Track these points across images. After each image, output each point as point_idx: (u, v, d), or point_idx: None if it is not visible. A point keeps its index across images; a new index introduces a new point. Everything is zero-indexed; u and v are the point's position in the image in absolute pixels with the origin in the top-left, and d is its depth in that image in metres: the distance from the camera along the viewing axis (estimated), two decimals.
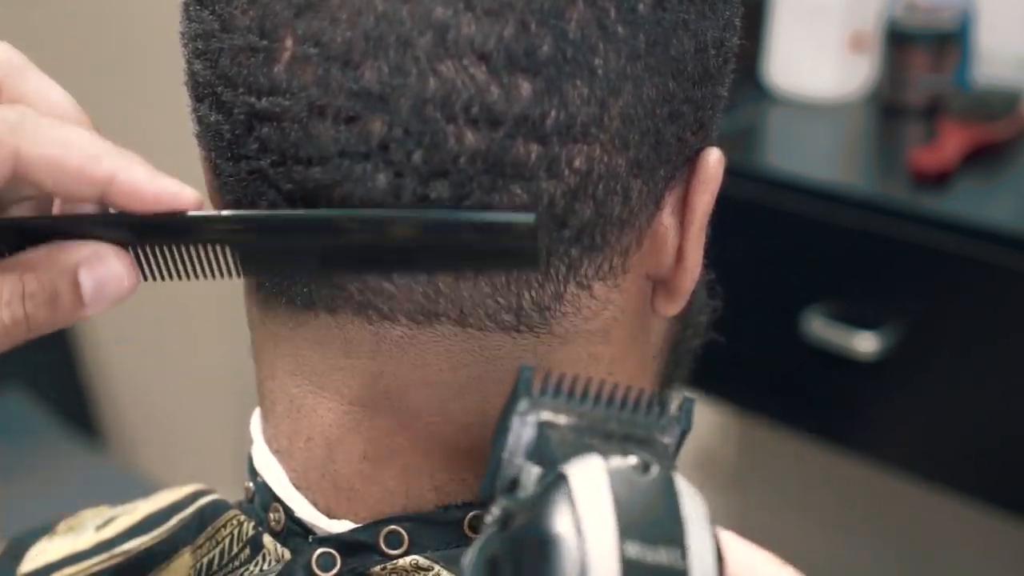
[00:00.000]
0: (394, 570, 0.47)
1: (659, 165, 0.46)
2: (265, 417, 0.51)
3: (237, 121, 0.44)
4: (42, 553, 0.58)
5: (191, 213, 0.41)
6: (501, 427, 0.41)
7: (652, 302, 0.51)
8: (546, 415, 0.40)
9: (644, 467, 0.37)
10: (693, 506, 0.36)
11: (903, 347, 1.12)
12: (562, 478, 0.36)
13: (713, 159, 0.49)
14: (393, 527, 0.48)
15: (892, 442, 1.18)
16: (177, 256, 0.42)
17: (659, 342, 0.54)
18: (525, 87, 0.42)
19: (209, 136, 0.46)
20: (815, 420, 1.23)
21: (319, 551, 0.48)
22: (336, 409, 0.48)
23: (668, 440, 0.41)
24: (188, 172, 0.49)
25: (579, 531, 0.35)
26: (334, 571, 0.48)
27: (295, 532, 0.49)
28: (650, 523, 0.35)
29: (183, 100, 0.48)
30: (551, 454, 0.39)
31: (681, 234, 0.49)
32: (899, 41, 1.27)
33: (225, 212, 0.42)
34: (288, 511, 0.50)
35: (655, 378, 0.55)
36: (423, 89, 0.42)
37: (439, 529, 0.48)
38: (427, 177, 0.42)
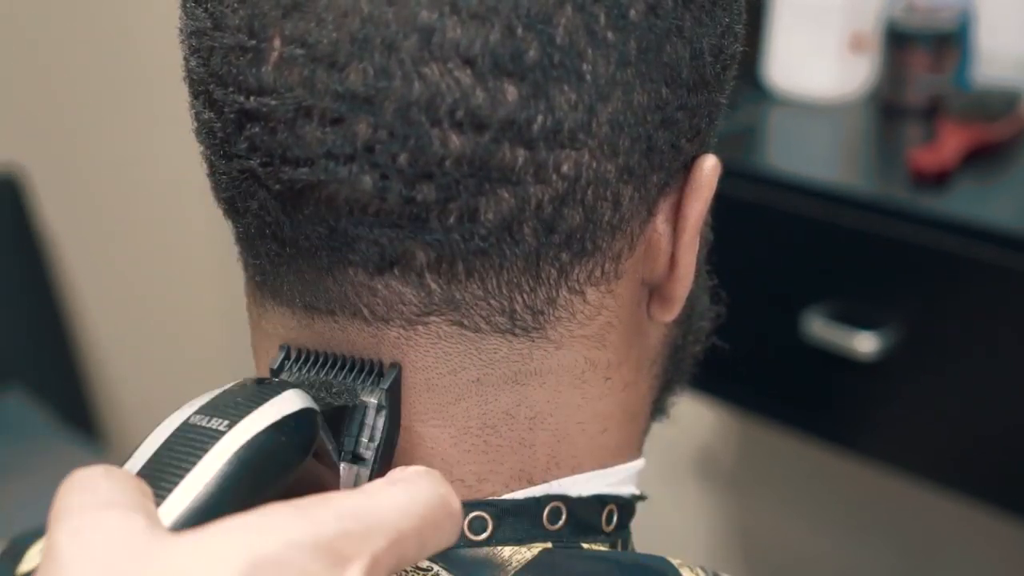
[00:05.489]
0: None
1: (651, 172, 0.46)
2: None
3: (228, 120, 0.44)
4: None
5: None
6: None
7: (647, 308, 0.51)
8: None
9: (275, 384, 0.44)
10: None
11: (903, 347, 1.11)
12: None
13: (707, 166, 0.48)
14: None
15: (892, 442, 1.17)
16: None
17: (658, 347, 0.54)
18: (511, 91, 0.42)
19: (204, 133, 0.47)
20: (815, 420, 1.23)
21: None
22: None
23: (369, 397, 0.46)
24: (192, 168, 0.49)
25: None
26: None
27: None
28: (224, 405, 0.42)
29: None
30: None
31: (674, 241, 0.49)
32: (899, 41, 1.27)
33: None
34: None
35: (654, 382, 0.55)
36: (408, 92, 0.42)
37: None
38: (412, 179, 0.42)
